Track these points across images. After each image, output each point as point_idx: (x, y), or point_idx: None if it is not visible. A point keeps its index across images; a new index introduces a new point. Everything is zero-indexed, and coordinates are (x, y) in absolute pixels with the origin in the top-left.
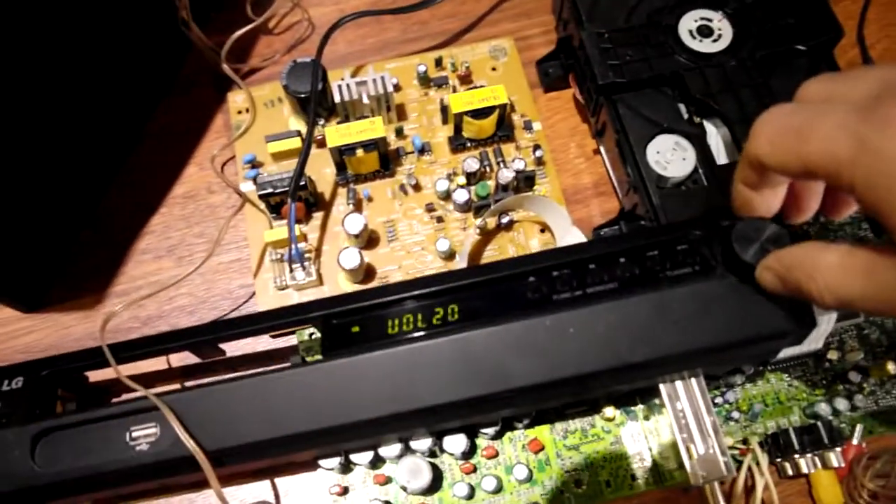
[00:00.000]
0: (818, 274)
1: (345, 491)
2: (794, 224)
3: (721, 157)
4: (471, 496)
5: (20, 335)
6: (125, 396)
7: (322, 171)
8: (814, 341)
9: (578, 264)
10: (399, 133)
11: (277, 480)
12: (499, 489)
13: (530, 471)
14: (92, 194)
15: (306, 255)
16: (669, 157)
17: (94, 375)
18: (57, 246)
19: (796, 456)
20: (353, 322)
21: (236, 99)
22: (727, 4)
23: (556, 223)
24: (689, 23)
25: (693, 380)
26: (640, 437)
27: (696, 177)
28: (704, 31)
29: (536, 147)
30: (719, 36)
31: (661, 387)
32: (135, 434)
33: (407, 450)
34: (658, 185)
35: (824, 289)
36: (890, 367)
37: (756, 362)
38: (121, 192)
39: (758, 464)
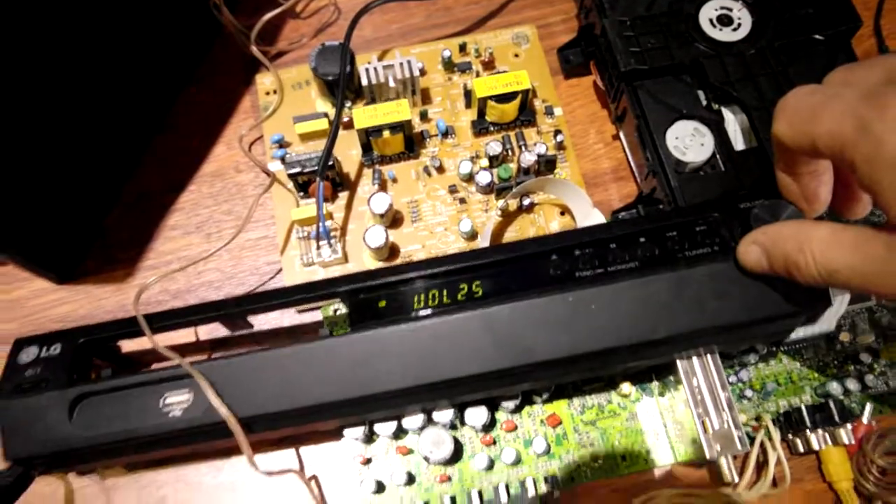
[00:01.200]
0: (808, 246)
1: (368, 461)
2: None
3: (739, 144)
4: (490, 467)
5: (54, 306)
6: (157, 365)
7: (348, 153)
8: (826, 322)
9: (600, 243)
10: (423, 116)
11: (302, 449)
12: (517, 461)
13: (548, 444)
14: (123, 171)
15: (332, 233)
16: (688, 142)
17: (127, 346)
18: (90, 220)
19: (807, 432)
20: (379, 297)
21: (264, 81)
22: None
23: (576, 206)
24: (709, 11)
25: (709, 356)
26: (655, 413)
27: (713, 162)
28: (724, 20)
29: (557, 132)
30: (739, 25)
31: (678, 363)
32: (168, 400)
33: (429, 421)
34: (676, 169)
35: (812, 260)
36: None
37: (770, 341)
38: (151, 170)
39: (770, 439)
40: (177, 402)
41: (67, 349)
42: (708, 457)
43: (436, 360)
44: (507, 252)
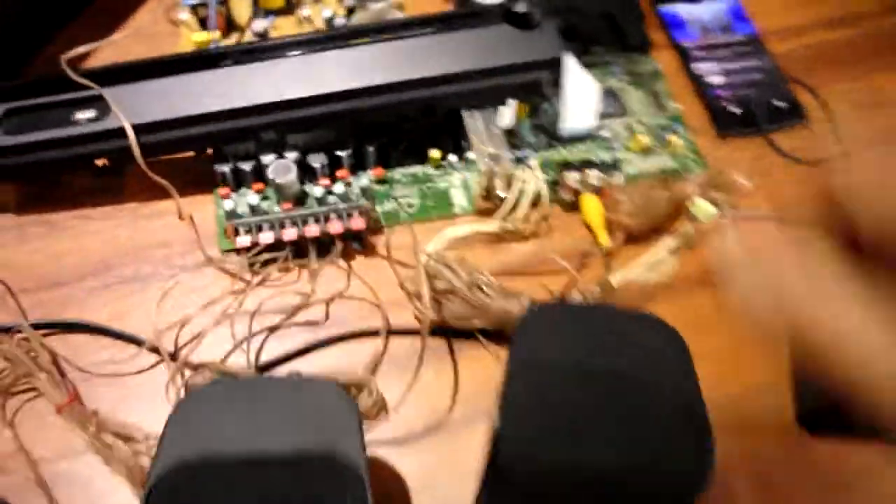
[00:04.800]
0: None
1: (228, 196)
2: None
3: None
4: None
5: None
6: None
7: (240, 9)
8: (588, 117)
9: (405, 25)
10: None
11: (183, 200)
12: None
13: (373, 194)
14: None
15: None
16: None
17: None
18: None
19: (565, 173)
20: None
21: None
22: None
23: None
24: None
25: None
26: (459, 181)
27: None
28: None
29: None
30: None
31: (464, 114)
32: (78, 116)
33: (280, 157)
34: None
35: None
36: (642, 139)
37: (520, 94)
38: (85, 22)
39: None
40: (84, 116)
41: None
42: (481, 166)
43: (278, 84)
44: (337, 32)
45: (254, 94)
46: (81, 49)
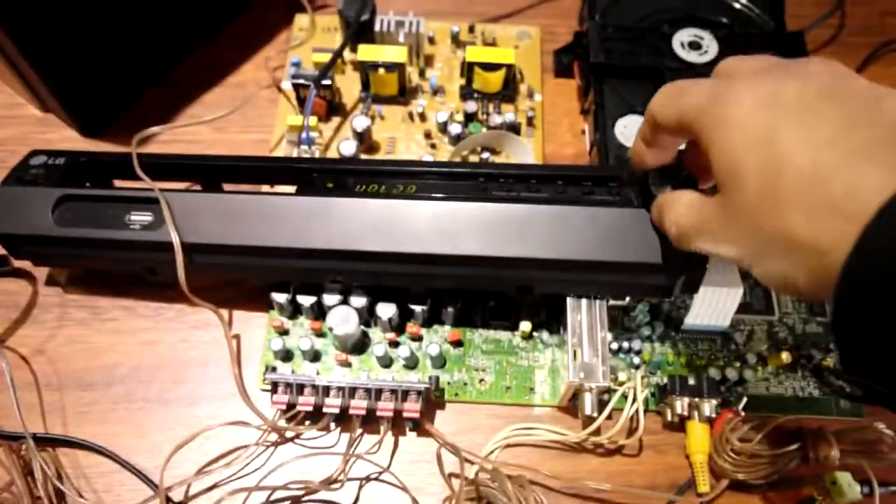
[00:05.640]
0: (673, 208)
1: (285, 332)
2: None
3: None
4: (387, 365)
5: None
6: (131, 184)
7: (351, 89)
8: (721, 318)
9: (523, 177)
10: (422, 74)
11: (235, 312)
12: (414, 365)
13: (443, 356)
14: (167, 62)
15: (316, 143)
16: (633, 132)
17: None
18: (125, 93)
19: (674, 396)
20: (328, 179)
21: (301, 21)
22: (720, 29)
23: (522, 161)
24: (683, 36)
25: (597, 302)
26: (547, 362)
27: None
28: (694, 45)
29: (532, 112)
30: (706, 51)
31: (568, 299)
32: (133, 217)
33: (345, 303)
34: (617, 152)
35: (672, 221)
36: (784, 356)
37: (651, 295)
38: (189, 69)
39: (634, 391)
40: (139, 219)
41: (68, 163)
42: (569, 381)
43: (360, 231)
44: (442, 167)
45: (327, 236)
46: (154, 130)
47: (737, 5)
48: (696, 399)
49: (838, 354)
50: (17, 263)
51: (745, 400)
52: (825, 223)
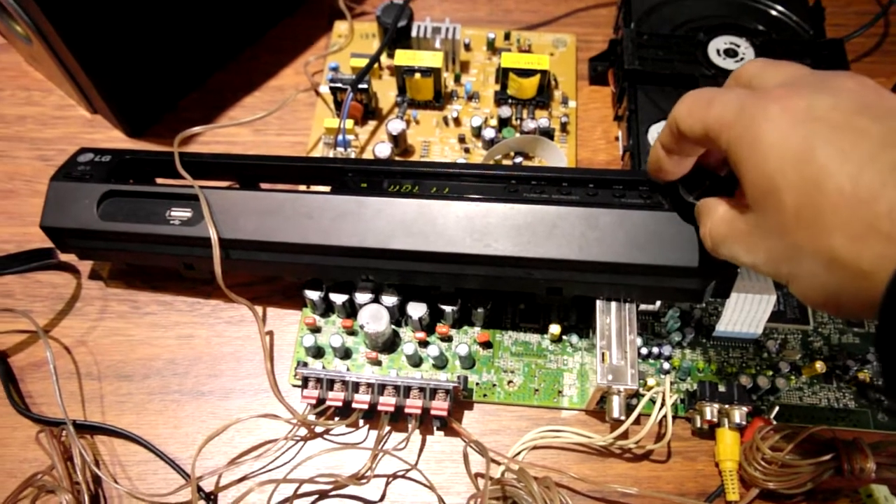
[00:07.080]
0: (708, 219)
1: (317, 329)
2: None
3: None
4: (417, 364)
5: None
6: (171, 181)
7: (387, 94)
8: (754, 325)
9: (554, 180)
10: (457, 79)
11: (269, 310)
12: (443, 365)
13: (472, 357)
14: (210, 66)
15: (352, 146)
16: None
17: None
18: (170, 95)
19: (704, 402)
20: (362, 179)
21: (341, 27)
22: (757, 36)
23: (554, 164)
24: (719, 43)
25: (627, 304)
26: (576, 366)
27: None
28: (730, 53)
29: (566, 118)
30: (741, 59)
31: (598, 302)
32: (173, 213)
33: (376, 301)
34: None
35: (707, 231)
36: (819, 366)
37: (682, 300)
38: (230, 72)
39: (662, 396)
40: (179, 215)
41: (114, 160)
42: (598, 384)
43: (393, 230)
44: (475, 169)
45: (361, 234)
46: (195, 130)
47: (774, 13)
48: (727, 406)
49: (883, 378)
50: (63, 257)
51: (776, 409)
52: (867, 243)
